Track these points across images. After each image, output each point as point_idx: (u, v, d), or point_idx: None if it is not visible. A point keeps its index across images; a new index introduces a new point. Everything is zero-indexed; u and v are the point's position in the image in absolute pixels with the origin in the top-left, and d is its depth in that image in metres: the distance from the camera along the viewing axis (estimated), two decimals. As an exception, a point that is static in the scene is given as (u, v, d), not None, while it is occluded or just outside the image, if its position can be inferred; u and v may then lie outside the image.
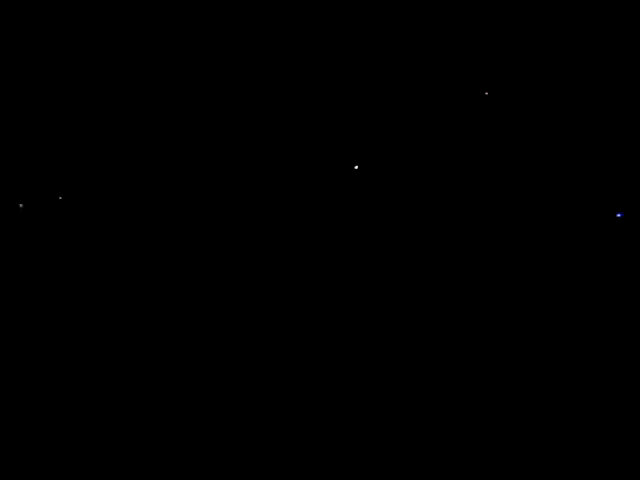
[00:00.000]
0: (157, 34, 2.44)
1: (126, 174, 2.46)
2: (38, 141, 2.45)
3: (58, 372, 2.28)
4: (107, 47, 2.45)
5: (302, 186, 2.45)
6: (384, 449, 2.12)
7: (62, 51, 2.44)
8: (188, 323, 2.35)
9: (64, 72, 2.45)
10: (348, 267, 2.41)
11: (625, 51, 2.33)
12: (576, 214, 2.32)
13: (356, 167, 2.17)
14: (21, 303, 2.34)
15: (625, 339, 2.25)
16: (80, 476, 2.01)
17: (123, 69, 2.45)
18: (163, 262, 2.42)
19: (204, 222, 2.44)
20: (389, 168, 2.46)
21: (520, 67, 2.40)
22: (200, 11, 2.44)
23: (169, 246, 2.43)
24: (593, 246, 2.30)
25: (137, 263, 2.41)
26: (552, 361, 2.26)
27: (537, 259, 2.34)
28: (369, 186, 2.46)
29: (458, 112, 2.43)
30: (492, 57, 2.40)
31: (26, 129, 2.45)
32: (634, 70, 2.33)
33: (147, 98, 2.47)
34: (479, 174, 2.41)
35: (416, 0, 2.39)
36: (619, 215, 2.21)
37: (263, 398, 2.24)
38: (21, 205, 2.17)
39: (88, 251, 2.41)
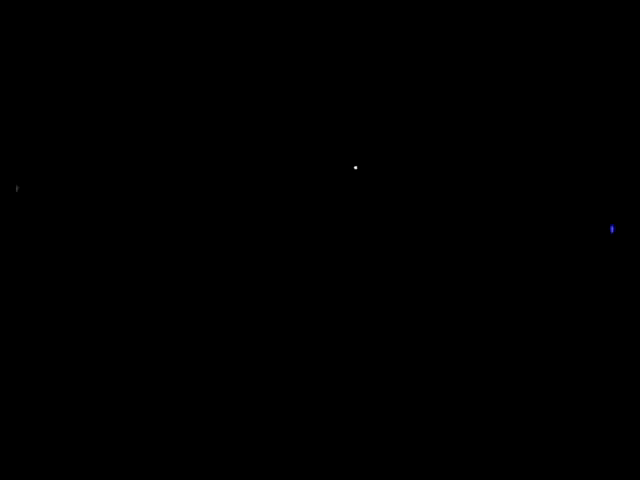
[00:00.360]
0: (157, 34, 2.44)
1: (126, 174, 2.46)
2: (38, 140, 2.45)
3: (58, 372, 2.27)
4: (107, 47, 2.44)
5: (302, 186, 2.45)
6: (384, 449, 2.12)
7: (62, 51, 2.43)
8: (188, 323, 2.35)
9: (64, 72, 2.45)
10: (348, 268, 2.40)
11: (625, 51, 2.33)
12: (577, 218, 2.32)
13: (355, 167, 2.17)
14: (20, 302, 2.34)
15: (625, 341, 2.25)
16: (80, 476, 2.01)
17: (123, 69, 2.45)
18: (163, 262, 2.41)
19: (204, 222, 2.44)
20: (390, 168, 2.45)
21: (520, 67, 2.40)
22: (200, 11, 2.43)
23: (169, 246, 2.43)
24: (594, 250, 2.29)
25: (137, 263, 2.40)
26: (552, 362, 2.26)
27: (538, 262, 2.34)
28: (370, 187, 2.45)
29: (459, 112, 2.43)
30: (492, 57, 2.40)
31: (26, 129, 2.45)
32: (634, 70, 2.33)
33: (147, 98, 2.46)
34: (480, 176, 2.40)
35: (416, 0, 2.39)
36: (612, 230, 2.21)
37: (263, 398, 2.24)
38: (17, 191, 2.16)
39: (87, 251, 2.41)
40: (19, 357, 2.28)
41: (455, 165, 2.41)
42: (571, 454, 2.07)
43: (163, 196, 2.44)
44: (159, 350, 2.31)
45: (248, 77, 2.45)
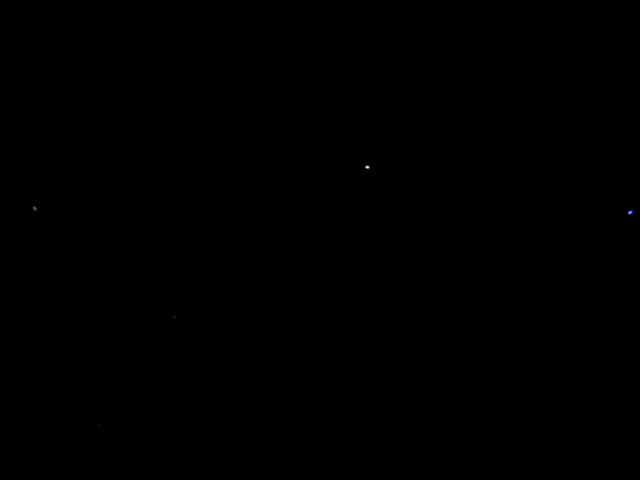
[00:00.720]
0: (157, 34, 2.44)
1: (126, 174, 2.45)
2: (38, 141, 2.45)
3: (58, 372, 2.27)
4: (107, 47, 2.44)
5: (303, 186, 2.44)
6: (384, 449, 2.11)
7: (62, 51, 2.43)
8: (188, 323, 2.35)
9: (64, 72, 2.44)
10: (349, 268, 2.40)
11: (625, 51, 2.33)
12: (580, 212, 2.32)
13: (367, 167, 2.16)
14: (22, 302, 2.34)
15: (626, 339, 2.24)
16: (80, 476, 2.01)
17: (123, 69, 2.45)
18: (163, 262, 2.41)
19: (204, 222, 2.44)
20: (390, 169, 2.45)
21: (520, 67, 2.39)
22: (200, 11, 2.43)
23: (169, 246, 2.42)
24: (600, 246, 2.29)
25: (137, 263, 2.40)
26: (552, 361, 2.25)
27: (540, 260, 2.34)
28: (369, 186, 2.45)
29: (459, 112, 2.43)
30: (492, 57, 2.39)
31: (26, 129, 2.45)
32: (634, 70, 2.32)
33: (147, 98, 2.46)
34: (482, 175, 2.40)
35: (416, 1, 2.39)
36: (631, 212, 2.20)
37: (263, 398, 2.24)
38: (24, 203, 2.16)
39: (87, 251, 2.41)
40: (20, 358, 2.28)
41: (456, 164, 2.41)
42: (571, 454, 2.07)
43: (163, 196, 2.44)
44: (159, 350, 2.31)
45: (248, 77, 2.45)
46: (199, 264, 2.39)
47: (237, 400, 2.23)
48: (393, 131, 2.43)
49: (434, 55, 2.40)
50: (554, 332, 2.27)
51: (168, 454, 2.10)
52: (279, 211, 2.42)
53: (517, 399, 2.20)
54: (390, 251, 2.39)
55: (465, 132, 2.41)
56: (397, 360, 2.28)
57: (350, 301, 2.35)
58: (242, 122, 2.46)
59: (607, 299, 2.27)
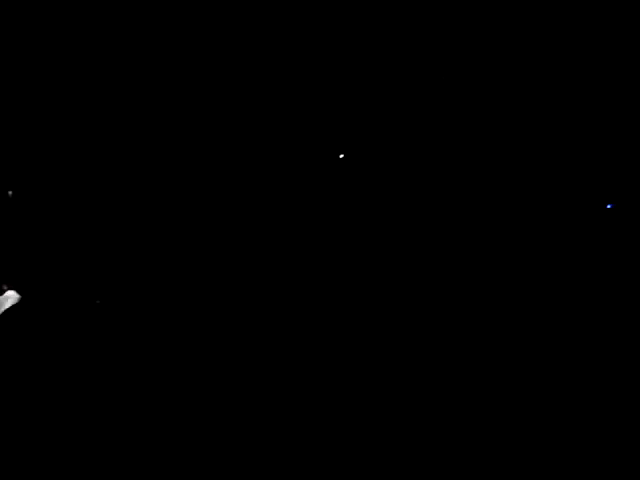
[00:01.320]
0: (157, 34, 2.44)
1: (126, 173, 2.46)
2: (37, 139, 2.45)
3: (58, 372, 2.27)
4: (107, 47, 2.44)
5: (300, 184, 2.44)
6: (384, 449, 2.11)
7: (62, 51, 2.43)
8: (188, 323, 2.35)
9: (64, 72, 2.45)
10: (347, 266, 2.40)
11: (625, 51, 2.33)
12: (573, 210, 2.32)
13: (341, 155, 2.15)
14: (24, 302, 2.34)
15: (625, 339, 2.24)
16: (80, 476, 2.01)
17: (123, 69, 2.45)
18: (163, 262, 2.41)
19: (203, 221, 2.44)
20: (388, 166, 2.45)
21: (520, 67, 2.40)
22: (200, 11, 2.43)
23: (169, 246, 2.42)
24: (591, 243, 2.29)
25: (136, 263, 2.40)
26: (552, 361, 2.25)
27: (537, 257, 2.34)
28: (367, 183, 2.45)
29: (457, 111, 2.43)
30: (492, 57, 2.40)
31: (26, 128, 2.45)
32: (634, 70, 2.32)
33: (147, 98, 2.46)
34: (478, 172, 2.40)
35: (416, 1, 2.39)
36: (609, 206, 2.21)
37: (263, 398, 2.24)
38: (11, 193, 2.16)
39: (87, 251, 2.41)
40: (22, 358, 2.28)
41: (454, 162, 2.41)
42: (571, 454, 2.07)
43: (163, 196, 2.44)
44: (160, 350, 2.31)
45: (247, 77, 2.45)
46: (198, 263, 2.39)
47: (237, 399, 2.23)
48: (391, 129, 2.43)
49: (431, 53, 2.40)
50: (551, 325, 2.27)
51: (168, 454, 2.10)
52: (277, 209, 2.42)
53: (516, 398, 2.20)
54: (387, 247, 2.39)
55: (461, 130, 2.41)
56: (396, 359, 2.28)
57: (347, 297, 2.35)
58: (240, 121, 2.46)
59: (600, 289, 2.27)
